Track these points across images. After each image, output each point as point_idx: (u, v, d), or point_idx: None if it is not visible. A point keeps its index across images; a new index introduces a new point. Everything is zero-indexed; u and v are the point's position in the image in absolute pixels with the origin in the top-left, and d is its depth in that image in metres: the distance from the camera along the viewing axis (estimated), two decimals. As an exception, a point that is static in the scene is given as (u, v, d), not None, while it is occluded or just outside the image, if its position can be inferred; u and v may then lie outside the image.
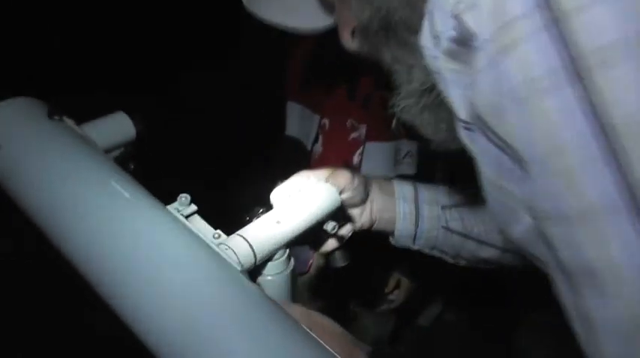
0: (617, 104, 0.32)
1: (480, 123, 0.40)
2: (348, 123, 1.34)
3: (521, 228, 0.41)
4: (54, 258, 0.59)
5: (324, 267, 1.38)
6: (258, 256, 0.57)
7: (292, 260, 0.64)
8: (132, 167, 0.79)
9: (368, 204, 0.76)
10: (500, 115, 0.37)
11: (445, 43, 0.40)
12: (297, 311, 0.55)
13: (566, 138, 0.33)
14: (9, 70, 1.63)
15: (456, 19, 0.38)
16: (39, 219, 0.60)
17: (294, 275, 0.64)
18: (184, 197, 0.62)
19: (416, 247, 0.80)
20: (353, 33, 0.57)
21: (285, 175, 0.69)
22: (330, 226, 0.68)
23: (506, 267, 0.81)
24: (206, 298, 0.48)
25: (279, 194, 0.67)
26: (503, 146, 0.38)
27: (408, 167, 1.33)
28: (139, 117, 0.81)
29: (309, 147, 1.38)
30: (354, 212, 0.76)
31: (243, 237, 0.57)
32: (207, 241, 0.56)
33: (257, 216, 0.63)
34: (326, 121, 1.37)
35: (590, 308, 0.36)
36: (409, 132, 0.57)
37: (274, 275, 0.61)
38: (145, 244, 0.54)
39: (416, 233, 0.79)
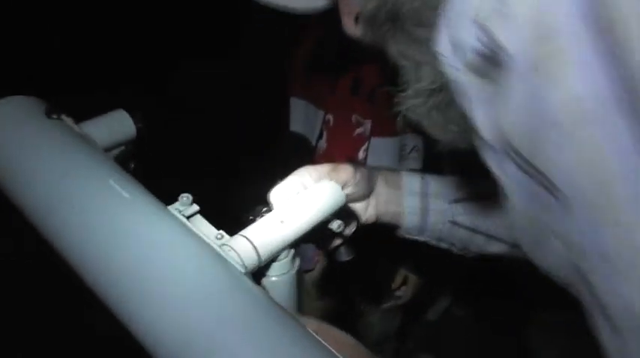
0: None
1: (509, 149, 0.35)
2: (353, 118, 1.32)
3: (552, 254, 0.38)
4: (54, 258, 0.58)
5: (330, 262, 1.37)
6: (262, 257, 0.55)
7: (298, 260, 0.62)
8: (132, 166, 0.78)
9: (373, 198, 0.74)
10: (536, 145, 0.32)
11: (468, 55, 0.34)
12: (307, 322, 0.52)
13: (615, 172, 0.29)
14: (8, 70, 1.63)
15: (480, 29, 0.32)
16: (36, 219, 0.59)
17: (300, 275, 0.62)
18: (186, 197, 0.60)
19: (422, 239, 0.79)
20: (356, 19, 0.52)
21: (287, 173, 0.67)
22: (335, 225, 0.67)
23: (516, 261, 0.79)
24: (208, 302, 0.47)
25: (279, 193, 0.64)
26: (539, 177, 0.33)
27: (415, 162, 1.31)
28: (140, 115, 0.79)
29: (313, 143, 1.36)
30: (359, 206, 0.74)
31: (247, 238, 0.56)
32: (210, 242, 0.55)
33: (260, 215, 0.61)
34: (330, 117, 1.34)
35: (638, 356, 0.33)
36: (415, 127, 0.54)
37: (279, 275, 0.60)
38: (144, 246, 0.52)
39: (423, 226, 0.77)
